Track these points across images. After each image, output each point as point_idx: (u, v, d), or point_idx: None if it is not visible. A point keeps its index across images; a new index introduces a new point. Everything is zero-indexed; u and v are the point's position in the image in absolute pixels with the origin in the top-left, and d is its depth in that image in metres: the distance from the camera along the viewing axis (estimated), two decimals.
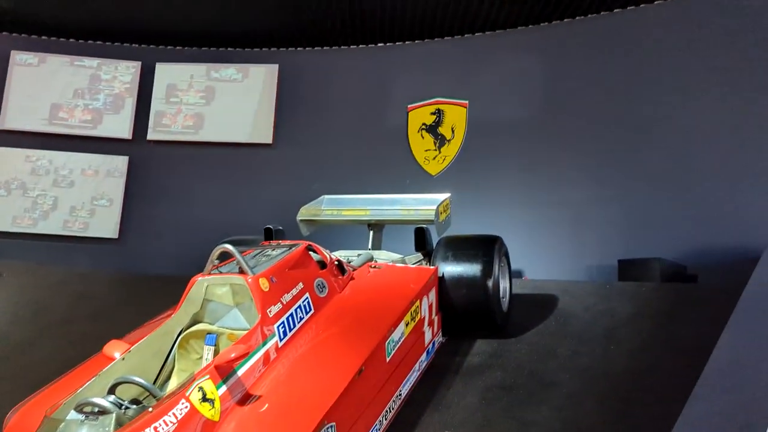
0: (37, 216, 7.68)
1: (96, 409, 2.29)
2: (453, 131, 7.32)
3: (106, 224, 7.66)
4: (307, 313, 3.33)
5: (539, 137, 6.71)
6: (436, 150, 7.35)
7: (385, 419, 3.11)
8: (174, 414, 2.37)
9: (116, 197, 7.69)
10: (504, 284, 4.30)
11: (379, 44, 7.91)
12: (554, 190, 6.33)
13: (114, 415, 2.25)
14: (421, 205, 4.88)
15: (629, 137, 6.26)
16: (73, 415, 2.28)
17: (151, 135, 7.92)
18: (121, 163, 7.76)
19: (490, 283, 4.00)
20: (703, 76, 6.15)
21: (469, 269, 4.06)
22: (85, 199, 7.69)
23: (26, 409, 2.78)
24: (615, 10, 6.83)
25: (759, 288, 3.25)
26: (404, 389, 3.38)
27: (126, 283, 6.50)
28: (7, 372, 4.44)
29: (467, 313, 4.06)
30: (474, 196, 6.46)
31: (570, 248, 6.00)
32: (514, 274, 4.66)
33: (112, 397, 2.40)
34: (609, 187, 6.20)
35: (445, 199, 4.95)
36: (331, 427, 2.57)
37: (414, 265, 4.42)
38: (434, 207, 4.71)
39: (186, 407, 2.42)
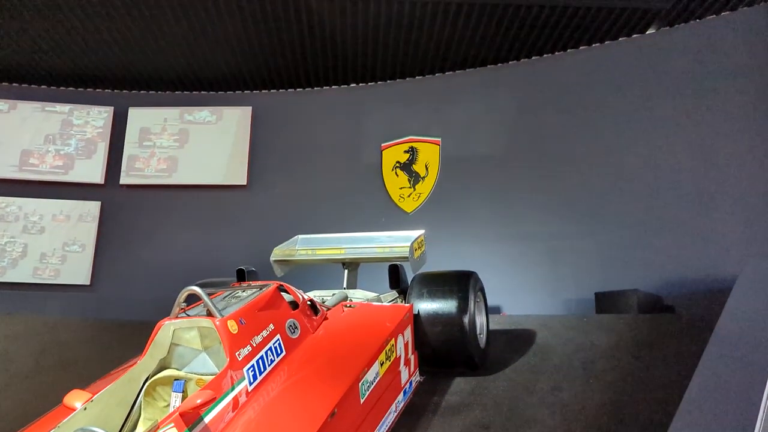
0: (6, 264, 7.50)
1: None
2: (427, 168, 7.35)
3: (78, 270, 7.50)
4: (278, 355, 3.24)
5: (511, 173, 6.76)
6: (410, 187, 7.37)
7: None
8: None
9: (88, 242, 7.56)
10: (480, 320, 4.25)
11: (352, 84, 7.99)
12: (529, 224, 6.36)
13: None
14: (395, 242, 4.85)
15: (600, 171, 6.33)
16: None
17: (124, 179, 7.84)
18: (93, 207, 7.65)
19: (466, 319, 3.95)
20: (670, 108, 6.28)
21: (445, 306, 4.01)
22: (57, 245, 7.55)
23: None
24: (581, 48, 6.99)
25: (732, 320, 3.25)
26: (381, 431, 3.28)
27: (97, 330, 6.34)
28: None
29: (444, 351, 3.99)
30: (449, 232, 6.46)
31: (547, 282, 5.99)
32: (491, 310, 4.62)
33: None
34: (583, 220, 6.25)
35: (420, 236, 4.92)
36: None
37: (389, 303, 4.36)
38: (408, 244, 4.68)
39: None
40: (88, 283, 7.50)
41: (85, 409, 2.69)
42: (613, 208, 6.22)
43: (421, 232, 5.05)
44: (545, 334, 4.55)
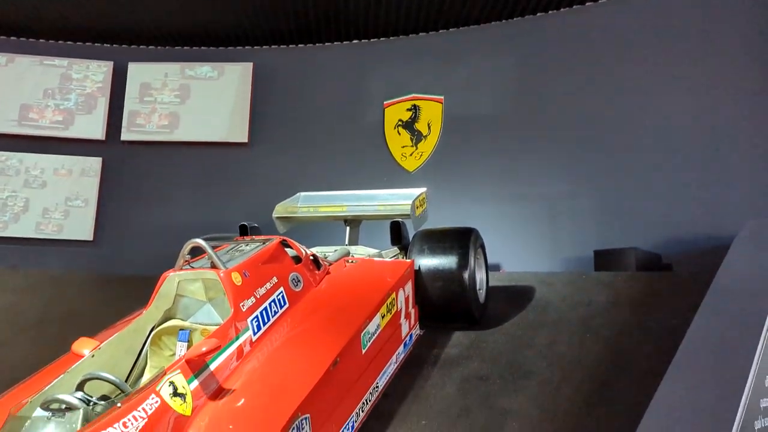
0: (8, 218, 7.53)
1: (63, 406, 2.24)
2: (429, 127, 7.32)
3: (80, 226, 7.53)
4: (281, 307, 3.30)
5: (514, 131, 6.74)
6: (412, 146, 7.35)
7: (362, 411, 3.09)
8: (144, 409, 2.32)
9: (91, 198, 7.57)
10: (480, 276, 4.30)
11: (354, 41, 7.89)
12: (530, 183, 6.37)
13: (81, 411, 2.20)
14: (397, 200, 4.87)
15: (602, 129, 6.31)
16: (39, 412, 2.23)
17: (125, 135, 7.81)
18: (95, 163, 7.64)
19: (466, 274, 4.00)
20: (673, 66, 6.23)
21: (445, 261, 4.06)
22: (59, 200, 7.56)
23: None
24: (587, 4, 6.88)
25: (729, 274, 3.29)
26: (381, 381, 3.36)
27: (101, 284, 6.41)
28: None
29: (444, 306, 4.05)
30: (451, 191, 6.47)
31: (546, 240, 6.03)
32: (491, 268, 4.67)
33: (80, 394, 2.35)
34: (584, 179, 6.25)
35: (421, 194, 4.94)
36: (306, 418, 2.54)
37: (390, 259, 4.40)
38: (410, 201, 4.70)
39: (156, 402, 2.38)
40: (91, 238, 7.54)
41: (92, 356, 2.75)
42: (613, 167, 6.22)
43: (423, 189, 5.06)
44: (544, 291, 4.60)
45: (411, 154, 7.32)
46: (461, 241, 4.14)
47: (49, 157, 7.62)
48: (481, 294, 4.26)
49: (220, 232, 4.01)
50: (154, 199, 7.60)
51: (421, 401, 3.34)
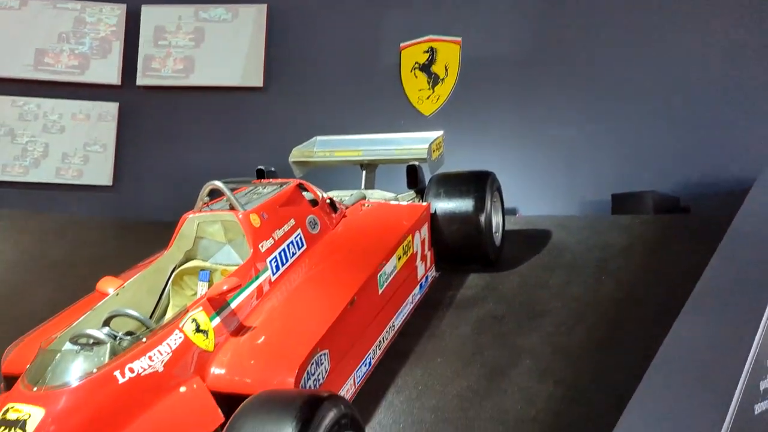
0: (29, 164, 7.61)
1: (91, 341, 2.32)
2: (446, 69, 7.20)
3: (100, 171, 7.60)
4: (299, 248, 3.35)
5: (532, 73, 6.61)
6: (429, 89, 7.25)
7: (379, 348, 3.17)
8: (168, 344, 2.41)
9: (109, 143, 7.60)
10: (497, 219, 4.31)
11: None
12: (548, 126, 6.28)
13: (108, 345, 2.29)
14: (413, 143, 4.85)
15: (621, 72, 6.17)
16: (68, 346, 2.31)
17: (141, 80, 7.77)
18: (112, 108, 7.65)
19: (482, 217, 4.01)
20: (695, 4, 6.01)
21: (462, 205, 4.07)
22: (78, 145, 7.60)
23: (24, 345, 2.83)
24: None
25: (748, 217, 3.27)
26: (397, 320, 3.43)
27: (122, 229, 6.52)
28: (8, 316, 4.49)
29: (460, 248, 4.08)
30: (468, 135, 6.40)
31: (564, 184, 5.99)
32: (508, 212, 4.67)
33: (106, 329, 2.43)
34: (602, 121, 6.15)
35: (438, 137, 4.91)
36: (324, 354, 2.62)
37: (406, 203, 4.42)
38: (426, 145, 4.68)
39: (180, 338, 2.46)
40: (110, 183, 7.62)
41: (117, 294, 2.83)
42: (632, 109, 6.11)
43: (440, 133, 5.02)
44: (560, 234, 4.61)
45: (428, 98, 7.22)
46: (478, 184, 4.13)
47: (66, 102, 7.63)
48: (497, 237, 4.29)
49: (236, 176, 4.04)
50: (170, 145, 7.63)
51: (436, 340, 3.42)
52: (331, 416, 1.91)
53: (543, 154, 6.15)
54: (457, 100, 7.08)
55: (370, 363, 3.05)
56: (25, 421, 2.02)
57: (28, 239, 6.06)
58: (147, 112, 7.73)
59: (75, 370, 2.19)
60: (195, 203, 3.41)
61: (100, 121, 7.63)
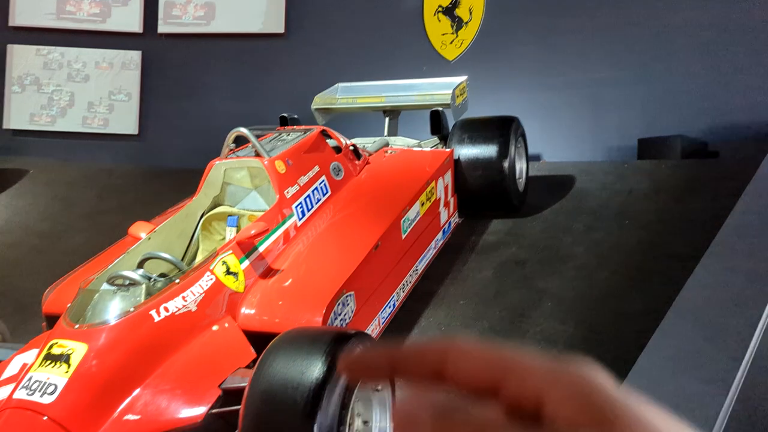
0: (55, 113, 7.71)
1: (127, 282, 2.42)
2: (471, 13, 7.03)
3: (125, 120, 7.67)
4: (324, 194, 3.40)
5: (557, 17, 6.42)
6: (453, 33, 7.10)
7: (403, 291, 3.24)
8: (200, 285, 2.50)
9: (133, 91, 7.65)
10: (520, 165, 4.31)
11: None
12: (574, 71, 6.14)
13: (144, 286, 2.38)
14: (436, 89, 4.81)
15: (648, 14, 5.96)
16: (105, 287, 2.41)
17: (162, 28, 7.73)
18: (135, 56, 7.66)
19: (506, 163, 4.01)
20: None
21: (485, 150, 4.07)
22: (103, 94, 7.66)
23: (63, 286, 2.95)
24: None
25: None
26: (421, 264, 3.49)
27: (148, 176, 6.63)
28: (43, 262, 4.66)
29: (483, 194, 4.10)
30: (491, 80, 6.30)
31: (589, 129, 5.90)
32: (532, 158, 4.65)
33: (141, 271, 2.52)
34: (629, 65, 5.99)
35: (461, 82, 4.86)
36: (350, 295, 2.69)
37: (430, 149, 4.42)
38: (450, 90, 4.64)
39: (211, 279, 2.55)
40: (136, 132, 7.70)
41: (149, 238, 2.91)
42: (660, 52, 5.93)
43: (463, 78, 4.97)
44: (584, 180, 4.59)
45: (451, 42, 7.09)
46: (502, 130, 4.12)
47: (89, 51, 7.65)
48: (521, 183, 4.29)
49: (259, 124, 4.07)
50: (193, 92, 7.64)
51: (459, 283, 3.48)
52: None
53: (568, 99, 6.04)
54: (481, 45, 6.94)
55: (394, 304, 3.13)
56: (69, 355, 2.13)
57: (59, 188, 6.21)
58: (169, 60, 7.73)
59: (113, 309, 2.29)
60: (219, 150, 3.46)
61: (124, 69, 7.65)
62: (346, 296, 2.67)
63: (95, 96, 7.68)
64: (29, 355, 2.39)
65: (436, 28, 7.16)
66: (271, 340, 2.17)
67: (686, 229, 3.53)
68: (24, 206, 5.66)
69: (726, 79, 5.55)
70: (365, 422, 2.10)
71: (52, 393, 2.05)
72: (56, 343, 2.19)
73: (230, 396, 2.16)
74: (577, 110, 5.90)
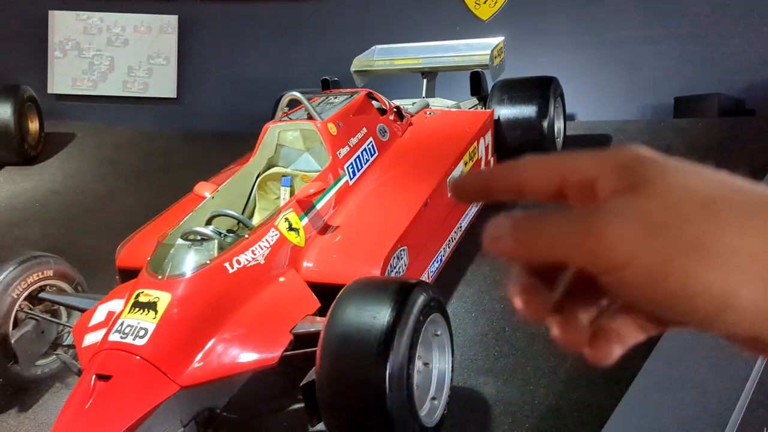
0: (96, 77, 7.90)
1: (199, 237, 2.62)
2: None
3: (164, 84, 7.84)
4: (372, 155, 3.55)
5: None
6: None
7: (449, 247, 3.41)
8: (266, 240, 2.69)
9: (171, 55, 7.80)
10: (559, 125, 4.40)
11: None
12: (611, 30, 6.12)
13: (216, 241, 2.58)
14: (474, 50, 4.88)
15: None
16: (180, 242, 2.61)
17: None
18: (172, 20, 7.78)
19: (545, 123, 4.12)
20: None
21: (525, 111, 4.17)
22: (142, 58, 7.83)
23: (134, 242, 3.16)
24: None
25: None
26: (464, 222, 3.65)
27: (189, 140, 6.83)
28: (96, 221, 4.90)
29: (522, 154, 4.20)
30: (527, 40, 6.31)
31: (625, 88, 5.91)
32: (568, 117, 4.73)
33: (211, 227, 2.72)
34: (666, 23, 5.96)
35: (499, 43, 4.92)
36: (404, 249, 2.87)
37: (469, 110, 4.53)
38: (488, 51, 4.71)
39: (276, 235, 2.75)
40: (175, 96, 7.88)
41: (213, 197, 3.11)
42: (697, 9, 5.89)
43: (501, 39, 5.03)
44: (620, 138, 4.67)
45: (485, 2, 7.08)
46: (541, 89, 4.21)
47: (127, 16, 7.79)
48: (558, 142, 4.39)
49: (296, 86, 4.20)
50: (230, 56, 7.76)
51: None
52: (421, 299, 2.17)
53: (604, 58, 6.04)
54: (515, 4, 6.93)
55: (441, 259, 3.31)
56: (155, 303, 2.35)
57: (105, 151, 6.44)
58: (205, 24, 7.83)
59: (189, 262, 2.50)
60: (255, 114, 3.60)
61: (162, 33, 7.79)
62: (400, 250, 2.84)
63: (134, 60, 7.85)
64: (113, 304, 2.63)
65: None
66: (332, 291, 2.36)
67: None
68: (75, 168, 5.90)
69: (764, 37, 5.52)
70: (426, 364, 2.30)
71: (143, 336, 2.27)
72: (142, 292, 2.41)
73: (301, 340, 2.37)
74: (613, 69, 5.92)
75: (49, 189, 5.42)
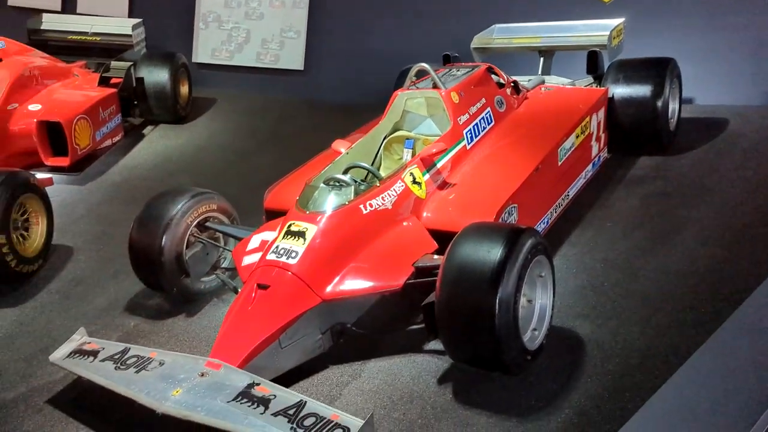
0: (233, 48, 8.63)
1: (339, 183, 3.08)
2: None
3: (293, 56, 8.44)
4: (489, 123, 3.88)
5: None
6: None
7: (555, 212, 3.69)
8: (394, 189, 3.12)
9: (302, 29, 8.37)
10: (673, 105, 4.51)
11: None
12: (735, 14, 5.97)
13: (353, 187, 3.03)
14: (593, 30, 5.04)
15: None
16: (323, 185, 3.08)
17: None
18: None
19: (659, 102, 4.25)
20: None
21: (640, 90, 4.32)
22: (275, 31, 8.46)
23: (278, 188, 3.69)
24: None
25: None
26: (572, 191, 3.90)
27: (316, 109, 7.36)
28: (236, 174, 5.52)
29: (634, 131, 4.38)
30: (648, 22, 6.28)
31: (747, 73, 5.77)
32: (685, 101, 4.78)
33: (348, 176, 3.17)
34: None
35: (619, 24, 5.05)
36: (514, 207, 3.20)
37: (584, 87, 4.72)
38: (607, 32, 4.87)
39: (402, 186, 3.16)
40: (302, 68, 8.47)
41: (347, 153, 3.57)
42: None
43: (621, 20, 5.15)
44: (738, 122, 4.68)
45: None
46: (658, 69, 4.34)
47: None
48: (672, 123, 4.50)
49: (419, 62, 4.56)
50: (354, 31, 8.18)
51: (606, 209, 3.86)
52: (530, 242, 2.50)
53: (726, 41, 5.92)
54: None
55: (547, 222, 3.60)
56: (304, 232, 2.84)
57: (242, 115, 7.13)
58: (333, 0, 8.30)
59: (331, 202, 2.96)
60: (379, 87, 3.95)
61: (294, 8, 8.37)
62: (511, 207, 3.17)
63: (268, 33, 8.49)
64: (265, 235, 3.15)
65: None
66: (447, 238, 2.73)
67: None
68: (218, 129, 6.62)
69: None
70: (529, 301, 2.63)
71: (294, 257, 2.77)
72: (293, 223, 2.90)
73: (421, 272, 2.78)
74: (737, 53, 5.81)
75: (196, 145, 6.15)
